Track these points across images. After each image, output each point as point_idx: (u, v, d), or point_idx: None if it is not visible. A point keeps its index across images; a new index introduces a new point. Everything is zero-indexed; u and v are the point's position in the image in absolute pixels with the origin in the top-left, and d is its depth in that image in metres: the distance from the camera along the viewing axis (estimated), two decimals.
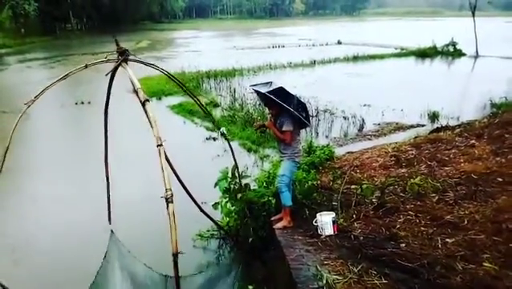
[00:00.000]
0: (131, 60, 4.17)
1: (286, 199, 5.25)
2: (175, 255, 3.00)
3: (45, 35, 51.14)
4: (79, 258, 5.92)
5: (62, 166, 10.09)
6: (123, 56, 4.14)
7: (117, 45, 4.09)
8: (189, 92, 5.13)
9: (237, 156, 9.57)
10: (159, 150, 3.34)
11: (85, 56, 32.02)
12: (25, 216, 7.51)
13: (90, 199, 7.75)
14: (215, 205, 6.09)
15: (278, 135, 5.21)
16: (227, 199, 5.98)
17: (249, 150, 10.56)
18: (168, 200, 3.07)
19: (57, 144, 12.01)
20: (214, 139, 11.60)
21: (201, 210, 4.50)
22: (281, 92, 4.94)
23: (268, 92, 4.87)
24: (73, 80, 23.34)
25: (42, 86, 4.26)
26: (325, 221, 4.84)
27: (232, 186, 5.93)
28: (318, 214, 4.99)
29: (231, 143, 10.89)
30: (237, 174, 5.94)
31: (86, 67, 4.11)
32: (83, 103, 16.21)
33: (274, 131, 5.25)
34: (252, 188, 6.18)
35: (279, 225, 5.26)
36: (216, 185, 5.94)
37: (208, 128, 12.61)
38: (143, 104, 3.65)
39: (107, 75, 4.26)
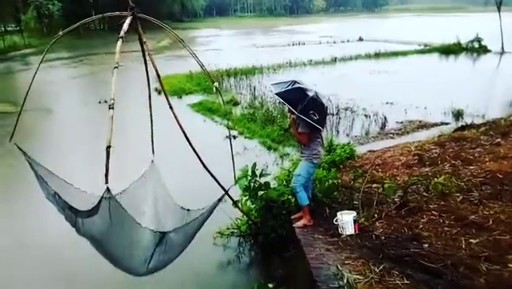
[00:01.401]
0: (140, 17, 4.67)
1: (302, 199, 5.21)
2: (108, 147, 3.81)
3: (69, 35, 52.30)
4: None
5: (81, 162, 10.28)
6: (133, 11, 4.56)
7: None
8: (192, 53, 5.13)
9: (257, 155, 9.74)
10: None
11: (108, 55, 32.59)
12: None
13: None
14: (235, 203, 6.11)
15: (297, 136, 5.19)
16: (247, 197, 6.00)
17: (269, 148, 10.55)
18: (110, 106, 3.96)
19: (79, 141, 12.26)
20: (234, 137, 11.63)
21: (234, 203, 4.49)
22: (297, 92, 4.88)
23: (284, 92, 4.83)
24: (97, 80, 23.99)
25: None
26: (346, 221, 4.79)
27: (252, 184, 5.94)
28: (338, 213, 4.95)
29: (251, 141, 11.06)
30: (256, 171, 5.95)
31: (103, 17, 4.97)
32: (106, 101, 16.48)
33: (294, 130, 5.23)
34: (272, 186, 6.16)
35: (299, 223, 5.23)
36: (236, 182, 5.96)
37: (228, 127, 12.64)
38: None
39: (117, 24, 4.59)
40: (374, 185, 6.14)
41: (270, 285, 4.67)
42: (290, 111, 5.09)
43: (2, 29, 48.61)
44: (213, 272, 5.84)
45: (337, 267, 3.89)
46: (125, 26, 4.45)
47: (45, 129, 13.73)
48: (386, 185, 5.69)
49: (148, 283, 5.28)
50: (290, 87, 4.91)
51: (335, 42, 37.40)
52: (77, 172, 9.56)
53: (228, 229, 6.54)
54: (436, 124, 12.00)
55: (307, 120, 4.81)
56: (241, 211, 5.23)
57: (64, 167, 9.89)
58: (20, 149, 4.57)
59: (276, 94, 4.86)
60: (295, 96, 4.86)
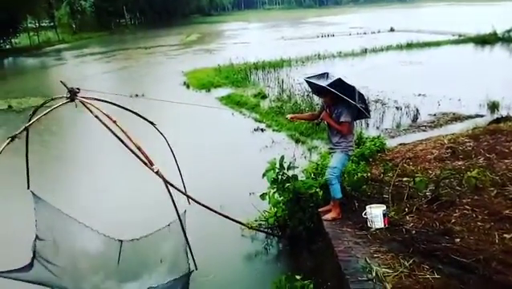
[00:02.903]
0: (80, 99, 4.44)
1: (336, 191, 5.19)
2: None
3: (100, 31, 53.55)
4: None
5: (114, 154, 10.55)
6: (72, 95, 4.38)
7: (66, 86, 4.41)
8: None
9: (285, 148, 9.73)
10: None
11: (138, 50, 33.23)
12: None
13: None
14: (263, 196, 6.15)
15: (335, 126, 5.12)
16: (275, 190, 6.02)
17: (297, 141, 10.52)
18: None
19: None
20: (262, 130, 11.66)
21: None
22: (339, 83, 4.89)
23: (328, 85, 4.81)
24: (128, 75, 24.47)
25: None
26: (375, 214, 4.74)
27: (280, 177, 5.95)
28: (368, 207, 4.90)
29: (279, 134, 11.05)
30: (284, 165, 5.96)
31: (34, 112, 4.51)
32: (137, 95, 16.83)
33: (330, 122, 5.17)
34: (300, 179, 6.15)
35: (328, 216, 5.21)
36: (264, 175, 5.98)
37: (256, 120, 12.69)
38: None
39: (46, 113, 4.45)
40: (405, 179, 6.03)
41: (298, 277, 4.67)
42: (326, 103, 5.18)
43: (37, 25, 50.26)
44: (241, 263, 5.90)
45: (366, 260, 3.86)
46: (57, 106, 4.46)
47: (80, 123, 14.16)
48: (417, 179, 5.58)
49: None
50: (333, 79, 4.90)
51: (365, 33, 36.65)
52: (108, 165, 9.88)
53: (256, 221, 6.59)
54: (470, 117, 11.62)
55: (361, 108, 4.91)
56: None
57: (96, 159, 10.26)
58: (34, 195, 4.74)
59: (328, 86, 4.82)
60: (343, 87, 4.87)
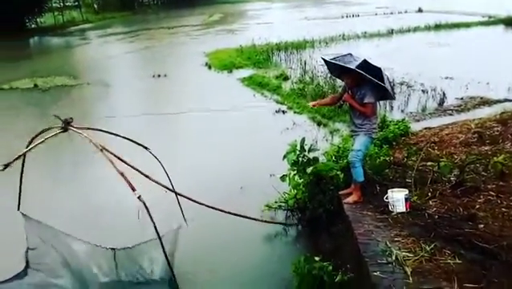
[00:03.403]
0: (72, 129, 4.41)
1: (359, 174, 5.14)
2: None
3: (123, 11, 53.72)
4: None
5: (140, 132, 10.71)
6: (66, 125, 4.37)
7: (59, 119, 4.40)
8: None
9: (306, 130, 9.67)
10: None
11: (161, 30, 33.27)
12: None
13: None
14: (283, 178, 6.16)
15: (359, 108, 5.04)
16: (295, 172, 6.01)
17: (318, 124, 10.43)
18: None
19: (136, 112, 12.77)
20: (283, 112, 11.59)
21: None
22: (365, 64, 4.82)
23: (356, 67, 4.73)
24: (150, 55, 24.57)
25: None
26: (397, 198, 4.68)
27: (300, 159, 5.93)
28: (389, 191, 4.84)
29: (300, 116, 10.98)
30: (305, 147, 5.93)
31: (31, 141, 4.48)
32: (159, 76, 16.95)
33: (353, 104, 5.08)
34: (320, 162, 6.13)
35: (349, 199, 5.18)
36: (284, 157, 5.97)
37: (277, 101, 12.61)
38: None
39: (40, 142, 4.40)
40: (429, 164, 5.93)
41: (317, 258, 4.69)
42: (348, 85, 5.10)
43: (61, 4, 50.73)
44: (260, 244, 5.95)
45: (386, 244, 3.84)
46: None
47: (103, 103, 14.41)
48: (442, 164, 5.47)
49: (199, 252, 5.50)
50: (359, 61, 4.83)
51: (392, 14, 35.56)
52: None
53: (275, 202, 6.62)
54: (499, 101, 11.22)
55: (388, 89, 4.84)
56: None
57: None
58: (24, 215, 4.82)
59: (356, 67, 4.74)
60: (369, 68, 4.80)
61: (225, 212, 5.50)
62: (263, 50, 19.98)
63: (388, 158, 6.21)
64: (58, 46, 32.16)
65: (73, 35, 35.62)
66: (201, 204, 5.30)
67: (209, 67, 18.30)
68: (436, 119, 10.18)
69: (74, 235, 4.96)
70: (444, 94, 11.75)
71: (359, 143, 5.12)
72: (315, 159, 5.97)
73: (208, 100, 13.26)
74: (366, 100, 4.96)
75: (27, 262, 4.76)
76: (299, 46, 21.28)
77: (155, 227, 4.01)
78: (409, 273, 3.30)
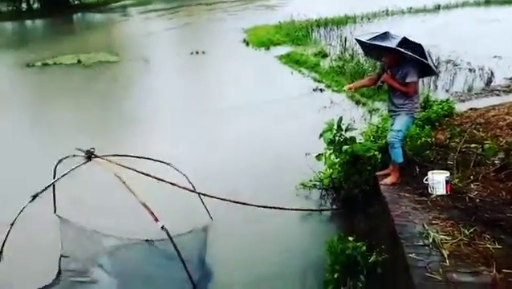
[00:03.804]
0: (96, 160, 4.50)
1: (398, 155, 5.00)
2: None
3: None
4: None
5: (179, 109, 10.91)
6: (89, 155, 4.47)
7: (82, 151, 4.51)
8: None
9: (344, 109, 9.48)
10: None
11: (200, 6, 33.27)
12: None
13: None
14: (319, 157, 6.10)
15: (401, 88, 4.85)
16: (331, 151, 5.94)
17: (357, 103, 10.20)
18: None
19: (175, 89, 12.98)
20: (321, 90, 11.40)
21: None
22: (405, 42, 4.62)
23: (397, 45, 4.54)
24: (189, 32, 24.64)
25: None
26: (437, 180, 4.53)
27: (337, 138, 5.84)
28: (429, 173, 4.69)
29: (339, 95, 10.76)
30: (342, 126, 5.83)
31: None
32: (197, 52, 17.04)
33: (394, 84, 4.90)
34: (358, 141, 6.00)
35: (387, 181, 5.06)
36: (320, 136, 5.90)
37: (315, 79, 12.40)
38: None
39: (65, 174, 4.46)
40: (472, 146, 5.67)
41: (350, 238, 4.66)
42: (387, 64, 4.91)
43: None
44: (294, 222, 5.95)
45: (423, 226, 3.75)
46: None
47: (142, 79, 14.71)
48: (486, 146, 5.23)
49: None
50: (398, 39, 4.64)
51: None
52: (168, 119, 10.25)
53: (310, 181, 6.59)
54: None
55: (431, 65, 4.67)
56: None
57: (157, 116, 10.67)
58: (60, 217, 5.01)
59: (397, 46, 4.57)
60: (409, 45, 4.61)
61: (253, 205, 5.44)
62: (302, 27, 19.59)
63: (429, 139, 5.98)
64: (100, 22, 32.94)
65: (115, 12, 36.29)
66: (225, 200, 5.32)
67: (247, 44, 18.19)
68: (483, 99, 9.70)
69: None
70: (492, 73, 11.13)
71: (400, 123, 4.95)
72: (352, 138, 5.86)
73: (244, 79, 13.25)
74: (408, 80, 4.77)
75: (60, 270, 4.89)
76: (340, 22, 20.68)
77: (178, 254, 3.98)
78: (446, 256, 3.22)
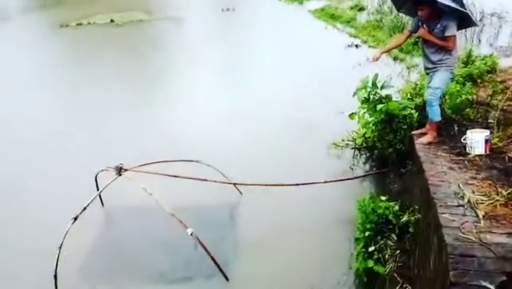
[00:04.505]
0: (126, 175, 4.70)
1: (435, 114, 4.82)
2: None
3: None
4: None
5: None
6: (119, 171, 4.70)
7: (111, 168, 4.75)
8: None
9: (381, 66, 9.14)
10: None
11: None
12: None
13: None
14: (352, 116, 6.00)
15: (439, 43, 4.59)
16: (365, 109, 5.80)
17: (395, 59, 9.83)
18: None
19: (206, 46, 12.90)
20: (357, 46, 11.01)
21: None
22: None
23: None
24: None
25: None
26: (476, 139, 4.36)
27: (372, 96, 5.68)
28: (468, 131, 4.52)
29: (375, 51, 10.35)
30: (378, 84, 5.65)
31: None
32: (228, 9, 16.74)
33: (432, 39, 4.64)
34: (394, 99, 5.81)
35: (423, 140, 4.91)
36: (354, 94, 5.76)
37: (350, 35, 11.96)
38: None
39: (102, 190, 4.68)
40: None
41: (383, 197, 4.63)
42: (422, 18, 4.63)
43: None
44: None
45: (459, 186, 3.65)
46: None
47: (175, 37, 14.68)
48: None
49: None
50: None
51: None
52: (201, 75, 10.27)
53: (343, 140, 6.52)
54: None
55: (472, 17, 4.47)
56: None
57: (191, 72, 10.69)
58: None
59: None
60: None
61: (284, 185, 5.30)
62: None
63: (470, 97, 5.72)
64: None
65: None
66: (258, 185, 5.23)
67: None
68: None
69: None
70: None
71: (439, 79, 4.73)
72: (388, 96, 5.68)
73: (277, 34, 12.95)
74: (448, 33, 4.50)
75: None
76: None
77: (212, 258, 4.09)
78: (481, 216, 3.14)
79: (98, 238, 5.04)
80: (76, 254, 4.56)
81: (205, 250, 4.08)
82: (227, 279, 4.25)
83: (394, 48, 5.60)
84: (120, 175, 4.68)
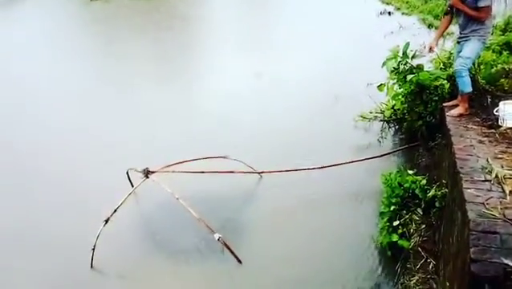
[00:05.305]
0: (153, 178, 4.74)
1: (466, 85, 4.61)
2: None
3: None
4: None
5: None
6: (146, 174, 4.76)
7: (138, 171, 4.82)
8: None
9: (414, 34, 8.77)
10: None
11: None
12: None
13: None
14: (380, 87, 5.85)
15: (472, 13, 4.38)
16: (395, 80, 5.62)
17: (429, 26, 9.40)
18: None
19: (237, 18, 12.80)
20: (389, 13, 10.57)
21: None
22: None
23: None
24: None
25: None
26: (509, 111, 4.16)
27: (402, 66, 5.48)
28: (501, 103, 4.31)
29: (409, 18, 9.93)
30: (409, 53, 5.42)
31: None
32: None
33: (465, 10, 4.41)
34: (426, 70, 5.57)
35: (454, 112, 4.73)
36: (384, 64, 5.57)
37: (383, 1, 11.48)
38: None
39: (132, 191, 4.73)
40: None
41: (410, 172, 4.53)
42: None
43: None
44: (352, 154, 5.84)
45: (487, 160, 3.52)
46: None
47: (203, 10, 14.57)
48: None
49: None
50: None
51: None
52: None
53: (371, 113, 6.37)
54: None
55: None
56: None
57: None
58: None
59: None
60: None
61: (309, 169, 5.22)
62: None
63: (506, 66, 5.42)
64: None
65: None
66: (282, 171, 5.21)
67: None
68: None
69: None
70: None
71: (470, 49, 4.51)
72: (420, 66, 5.46)
73: (304, 4, 12.62)
74: (482, 4, 4.28)
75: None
76: None
77: (236, 258, 4.14)
78: (507, 192, 3.03)
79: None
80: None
81: (232, 252, 4.13)
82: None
83: (445, 28, 5.18)
84: (148, 178, 4.75)
